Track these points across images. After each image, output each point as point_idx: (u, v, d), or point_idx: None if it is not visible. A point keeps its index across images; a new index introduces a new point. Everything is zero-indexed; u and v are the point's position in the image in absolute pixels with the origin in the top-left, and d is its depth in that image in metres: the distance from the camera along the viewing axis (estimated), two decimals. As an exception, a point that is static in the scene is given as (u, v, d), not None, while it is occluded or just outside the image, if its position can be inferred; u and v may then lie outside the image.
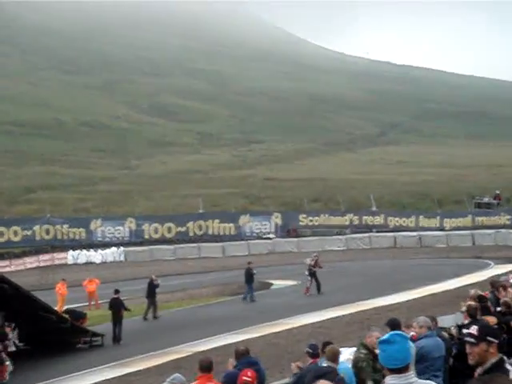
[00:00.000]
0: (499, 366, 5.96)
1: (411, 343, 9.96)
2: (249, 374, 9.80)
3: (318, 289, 35.72)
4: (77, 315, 29.88)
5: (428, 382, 5.84)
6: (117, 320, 27.87)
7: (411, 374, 5.49)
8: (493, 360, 6.00)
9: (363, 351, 11.08)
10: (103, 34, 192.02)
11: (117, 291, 29.19)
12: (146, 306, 32.90)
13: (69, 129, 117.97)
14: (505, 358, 6.18)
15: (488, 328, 6.32)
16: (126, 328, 27.93)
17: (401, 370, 5.45)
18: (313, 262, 36.48)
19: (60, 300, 35.30)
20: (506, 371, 5.97)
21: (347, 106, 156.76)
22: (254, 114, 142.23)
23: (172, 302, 37.12)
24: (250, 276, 35.63)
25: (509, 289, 15.80)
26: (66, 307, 32.95)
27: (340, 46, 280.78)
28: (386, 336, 5.74)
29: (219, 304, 35.51)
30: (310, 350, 11.89)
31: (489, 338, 6.04)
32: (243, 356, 11.74)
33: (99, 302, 36.69)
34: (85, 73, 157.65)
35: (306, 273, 36.20)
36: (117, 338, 27.50)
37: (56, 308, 30.79)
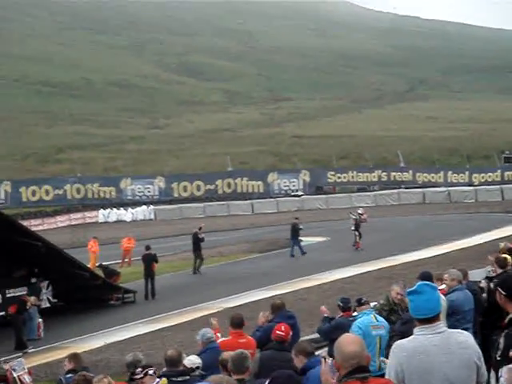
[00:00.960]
0: None
1: (441, 295, 10.20)
2: (282, 328, 9.89)
3: (354, 243, 36.04)
4: (110, 272, 30.19)
5: (458, 330, 5.78)
6: (149, 275, 28.17)
7: (440, 324, 5.42)
8: None
9: (382, 302, 11.34)
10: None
11: (148, 247, 29.52)
12: (194, 261, 33.02)
13: (98, 89, 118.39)
14: None
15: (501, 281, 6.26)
16: (158, 284, 28.27)
17: (430, 320, 5.38)
18: (364, 216, 36.85)
19: (92, 257, 35.73)
20: None
21: (375, 62, 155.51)
22: (281, 72, 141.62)
23: (202, 259, 37.36)
24: (295, 231, 35.70)
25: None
26: (98, 263, 33.28)
27: (368, 2, 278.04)
28: (414, 286, 5.66)
29: (248, 261, 35.75)
30: (341, 304, 12.00)
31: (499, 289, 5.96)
32: (279, 309, 11.72)
33: (132, 259, 37.04)
34: (113, 33, 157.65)
35: (352, 228, 36.28)
36: (151, 294, 27.84)
37: (88, 265, 31.18)
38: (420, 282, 5.79)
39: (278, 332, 9.76)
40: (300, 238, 35.87)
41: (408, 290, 5.76)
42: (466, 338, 5.45)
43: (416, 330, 5.45)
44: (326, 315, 12.14)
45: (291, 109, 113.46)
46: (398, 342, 5.55)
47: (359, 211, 37.75)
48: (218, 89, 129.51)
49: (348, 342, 4.93)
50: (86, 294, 26.03)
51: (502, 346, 5.70)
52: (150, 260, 28.65)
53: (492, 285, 6.40)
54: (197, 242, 33.08)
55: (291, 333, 10.05)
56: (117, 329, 22.59)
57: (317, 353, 9.24)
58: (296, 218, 37.34)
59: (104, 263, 33.14)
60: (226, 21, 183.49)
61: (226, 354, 8.42)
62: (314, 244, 40.16)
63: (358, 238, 35.96)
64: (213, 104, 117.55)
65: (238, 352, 8.12)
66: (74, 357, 10.66)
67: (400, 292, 11.25)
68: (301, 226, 36.21)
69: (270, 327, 10.64)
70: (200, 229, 34.14)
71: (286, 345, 9.67)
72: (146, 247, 29.62)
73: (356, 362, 4.78)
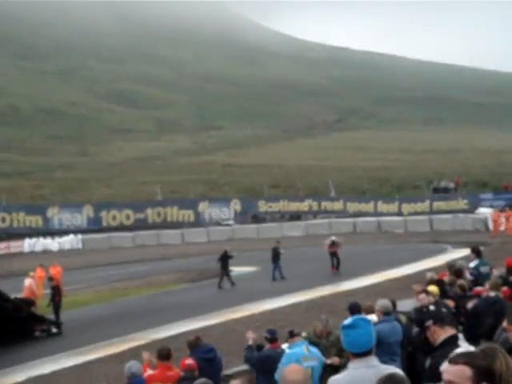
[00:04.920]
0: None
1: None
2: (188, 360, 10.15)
3: (337, 267, 36.76)
4: (24, 302, 29.04)
5: (389, 367, 5.82)
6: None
7: (373, 358, 5.57)
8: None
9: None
10: (60, 20, 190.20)
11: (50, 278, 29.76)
12: (220, 277, 34.92)
13: (25, 115, 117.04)
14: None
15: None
16: (85, 315, 27.84)
17: (364, 353, 5.54)
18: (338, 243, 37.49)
19: (39, 285, 35.05)
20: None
21: (306, 92, 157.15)
22: (212, 101, 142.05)
23: (130, 289, 36.95)
24: (276, 255, 36.33)
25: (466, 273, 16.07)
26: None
27: (300, 33, 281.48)
28: (349, 321, 5.80)
29: (178, 291, 35.40)
30: (268, 336, 11.98)
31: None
32: (196, 345, 11.77)
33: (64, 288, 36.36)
34: (42, 59, 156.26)
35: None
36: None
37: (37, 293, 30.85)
38: (355, 317, 6.03)
39: (186, 362, 10.21)
40: (280, 262, 36.35)
41: (343, 325, 5.84)
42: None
43: (350, 364, 5.60)
44: (250, 343, 12.07)
45: (222, 137, 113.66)
46: (334, 377, 5.71)
47: (333, 238, 38.25)
48: (148, 117, 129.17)
49: (290, 371, 5.12)
50: (10, 326, 25.32)
51: (427, 366, 6.13)
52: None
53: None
54: (225, 259, 35.04)
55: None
56: (41, 361, 22.08)
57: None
58: (277, 242, 37.85)
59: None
60: (157, 48, 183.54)
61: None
62: (244, 274, 39.99)
63: (335, 263, 36.69)
64: (143, 132, 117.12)
65: (202, 380, 8.19)
66: None
67: (323, 329, 11.53)
68: (281, 250, 36.60)
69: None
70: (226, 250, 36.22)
71: (196, 374, 9.93)
72: (49, 278, 29.72)
73: None
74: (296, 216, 66.39)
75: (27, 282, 31.05)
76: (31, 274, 32.46)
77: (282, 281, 35.37)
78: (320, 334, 11.47)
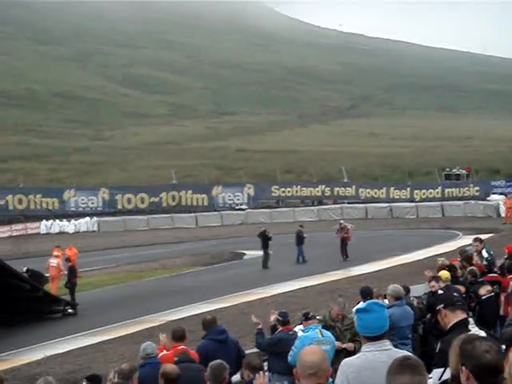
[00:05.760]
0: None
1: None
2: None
3: (344, 255, 36.83)
4: (37, 275, 28.80)
5: (402, 351, 5.94)
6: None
7: (386, 342, 5.62)
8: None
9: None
10: (77, 5, 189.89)
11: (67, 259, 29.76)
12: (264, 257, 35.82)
13: (42, 99, 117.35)
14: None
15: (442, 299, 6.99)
16: (100, 296, 28.08)
17: (378, 337, 5.58)
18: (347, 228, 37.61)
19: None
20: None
21: (320, 79, 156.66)
22: (227, 86, 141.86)
23: (145, 271, 37.24)
24: (299, 238, 36.77)
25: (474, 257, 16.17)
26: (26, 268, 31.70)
27: (314, 19, 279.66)
28: (363, 305, 5.94)
29: (192, 274, 35.65)
30: (280, 318, 11.98)
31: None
32: (211, 325, 11.61)
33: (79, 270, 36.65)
34: (59, 44, 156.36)
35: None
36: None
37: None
38: (370, 301, 6.12)
39: (179, 348, 10.44)
40: (302, 245, 36.65)
41: (357, 308, 6.08)
42: None
43: (363, 347, 5.65)
44: (259, 327, 12.17)
45: (236, 123, 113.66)
46: (346, 359, 5.78)
47: (341, 221, 39.00)
48: (162, 101, 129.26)
49: (307, 352, 5.11)
50: (26, 306, 25.64)
51: (437, 349, 6.11)
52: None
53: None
54: (265, 240, 35.70)
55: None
56: (57, 341, 22.26)
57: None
58: (301, 226, 38.48)
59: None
60: (172, 34, 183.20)
61: (169, 367, 8.41)
62: (256, 257, 40.23)
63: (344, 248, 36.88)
64: (158, 117, 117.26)
65: (218, 362, 8.20)
66: None
67: (339, 313, 11.43)
68: (305, 235, 37.09)
69: (203, 344, 11.16)
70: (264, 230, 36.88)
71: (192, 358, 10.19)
72: (66, 259, 29.84)
73: (313, 371, 4.89)
74: (317, 201, 66.65)
75: (55, 261, 31.03)
76: (56, 253, 32.42)
77: (297, 265, 35.73)
78: (336, 316, 11.37)
